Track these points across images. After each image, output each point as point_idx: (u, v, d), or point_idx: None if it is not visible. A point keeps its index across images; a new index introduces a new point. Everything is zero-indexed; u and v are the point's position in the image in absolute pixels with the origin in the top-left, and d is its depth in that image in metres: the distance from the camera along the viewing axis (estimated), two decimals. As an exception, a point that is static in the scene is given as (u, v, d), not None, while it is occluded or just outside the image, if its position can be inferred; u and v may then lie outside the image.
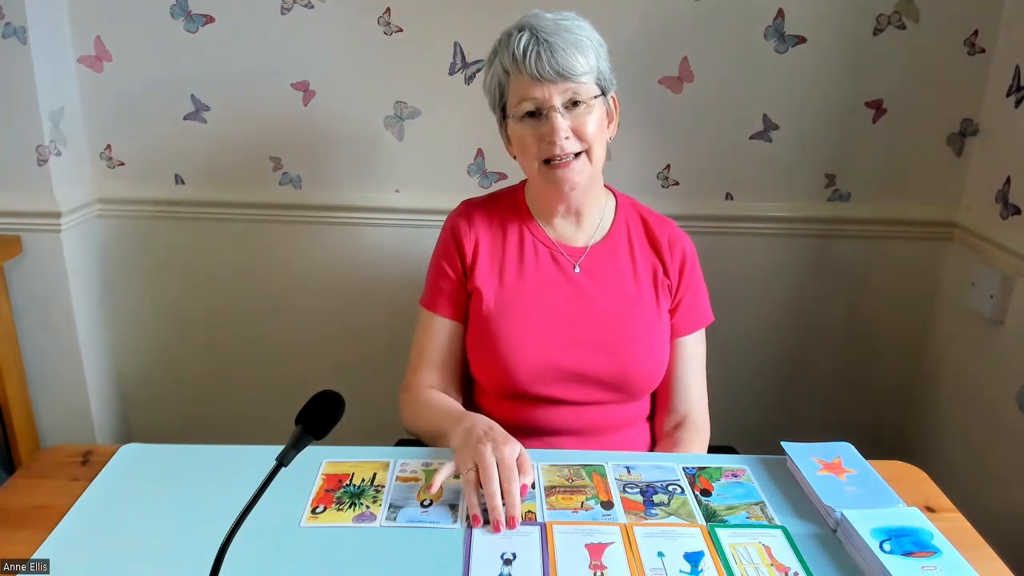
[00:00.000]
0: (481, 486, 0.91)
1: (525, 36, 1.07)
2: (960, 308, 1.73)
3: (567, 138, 1.08)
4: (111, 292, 1.83)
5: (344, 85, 1.68)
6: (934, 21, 1.63)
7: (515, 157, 1.17)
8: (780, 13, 1.63)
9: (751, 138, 1.72)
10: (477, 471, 0.92)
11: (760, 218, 1.77)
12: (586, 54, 1.07)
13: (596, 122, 1.10)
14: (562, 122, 1.07)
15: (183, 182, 1.76)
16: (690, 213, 1.71)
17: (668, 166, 1.75)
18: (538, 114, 1.09)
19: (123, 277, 1.82)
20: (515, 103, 1.10)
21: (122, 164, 1.75)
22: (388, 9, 1.63)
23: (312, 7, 1.62)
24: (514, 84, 1.09)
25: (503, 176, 1.75)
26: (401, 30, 1.64)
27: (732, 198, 1.77)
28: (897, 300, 1.84)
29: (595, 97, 1.10)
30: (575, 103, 1.08)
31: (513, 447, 0.95)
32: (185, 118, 1.70)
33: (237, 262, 1.81)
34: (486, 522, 0.89)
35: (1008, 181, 1.59)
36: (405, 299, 1.78)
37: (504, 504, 0.89)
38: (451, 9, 1.62)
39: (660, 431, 1.24)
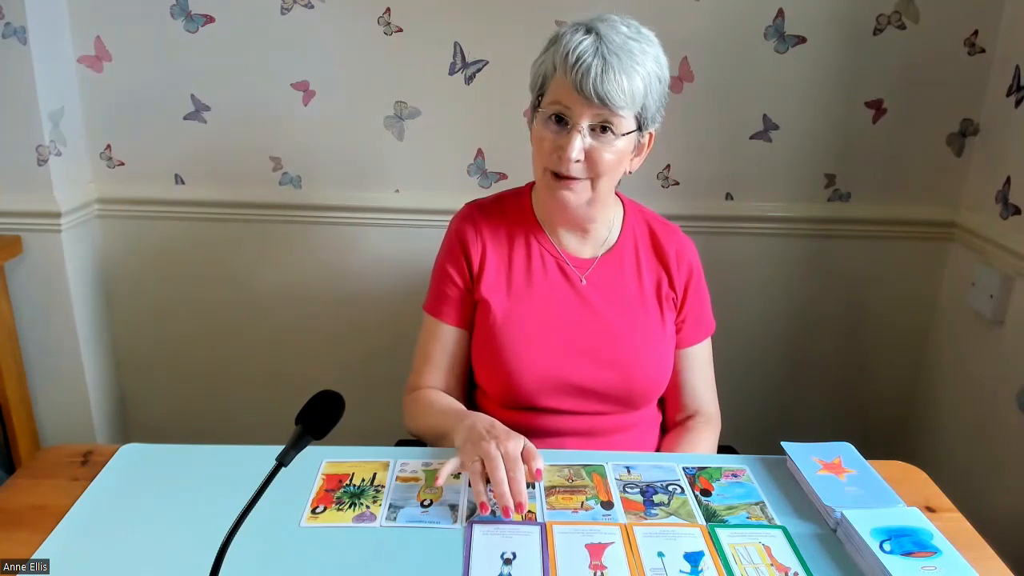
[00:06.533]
0: (487, 478, 0.91)
1: (587, 42, 1.01)
2: (960, 308, 1.73)
3: (577, 161, 1.05)
4: (111, 292, 1.83)
5: (344, 85, 1.68)
6: (934, 21, 1.63)
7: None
8: (780, 13, 1.63)
9: (751, 138, 1.72)
10: (483, 464, 0.92)
11: (760, 218, 1.77)
12: (636, 87, 1.02)
13: (616, 154, 1.06)
14: (579, 143, 1.03)
15: (183, 182, 1.76)
16: (690, 213, 1.72)
17: (668, 166, 1.75)
18: (563, 121, 1.05)
19: (123, 277, 1.82)
20: (548, 100, 1.06)
21: (122, 164, 1.75)
22: (388, 9, 1.63)
23: (312, 7, 1.62)
24: (555, 82, 1.05)
25: (503, 176, 1.75)
26: (401, 30, 1.64)
27: (732, 198, 1.77)
28: (897, 300, 1.84)
29: (626, 133, 1.05)
30: (604, 128, 1.04)
31: (517, 442, 0.95)
32: (185, 118, 1.70)
33: (237, 262, 1.81)
34: (491, 514, 0.89)
35: (1008, 181, 1.59)
36: (405, 299, 1.79)
37: (511, 493, 0.89)
38: (451, 9, 1.62)
39: (671, 423, 1.25)
